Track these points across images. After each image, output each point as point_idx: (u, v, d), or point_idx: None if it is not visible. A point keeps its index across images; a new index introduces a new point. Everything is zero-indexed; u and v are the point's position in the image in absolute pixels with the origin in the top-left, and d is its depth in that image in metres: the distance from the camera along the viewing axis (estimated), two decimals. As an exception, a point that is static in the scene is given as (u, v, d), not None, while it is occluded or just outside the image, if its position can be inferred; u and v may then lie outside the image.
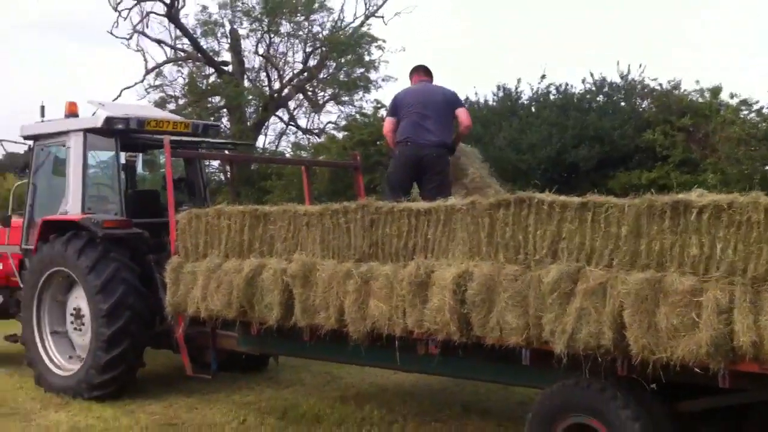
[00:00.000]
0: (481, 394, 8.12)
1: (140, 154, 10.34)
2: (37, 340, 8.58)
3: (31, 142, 9.39)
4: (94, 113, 8.96)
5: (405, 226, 5.88)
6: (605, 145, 14.05)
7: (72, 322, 8.45)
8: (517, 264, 5.24)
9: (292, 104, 25.34)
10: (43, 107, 9.33)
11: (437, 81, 7.90)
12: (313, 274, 6.12)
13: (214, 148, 9.92)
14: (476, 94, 17.34)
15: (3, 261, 9.75)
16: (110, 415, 7.51)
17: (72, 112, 8.94)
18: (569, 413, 5.12)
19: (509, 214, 5.31)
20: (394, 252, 5.91)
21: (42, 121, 9.27)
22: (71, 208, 8.47)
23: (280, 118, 25.38)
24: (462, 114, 7.55)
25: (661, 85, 15.01)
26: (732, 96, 14.32)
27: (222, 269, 6.67)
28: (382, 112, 17.31)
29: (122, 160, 9.26)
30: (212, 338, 7.53)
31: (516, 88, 16.48)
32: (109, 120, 8.40)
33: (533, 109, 15.89)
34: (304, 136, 25.40)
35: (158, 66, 24.21)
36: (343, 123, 23.58)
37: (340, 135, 21.40)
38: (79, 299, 8.29)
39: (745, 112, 14.14)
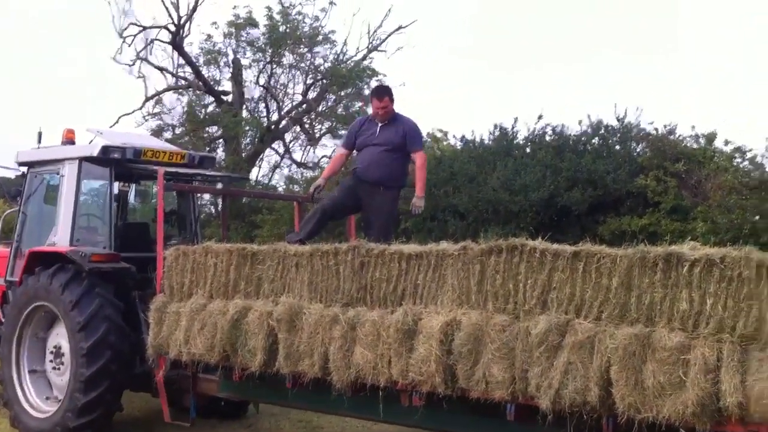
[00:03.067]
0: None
1: (133, 185, 10.26)
2: (15, 379, 8.33)
3: (25, 169, 9.28)
4: (91, 141, 8.87)
5: (395, 270, 5.81)
6: (598, 189, 14.00)
7: (51, 361, 8.24)
8: (506, 314, 5.19)
9: (288, 137, 25.34)
10: (40, 133, 9.20)
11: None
12: (299, 318, 6.02)
13: (208, 181, 9.83)
14: (473, 132, 17.37)
15: (-16, 293, 9.58)
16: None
17: (69, 139, 8.83)
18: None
19: (500, 261, 5.26)
20: (382, 297, 5.84)
21: (38, 148, 9.15)
22: (60, 239, 8.32)
23: (276, 151, 25.33)
24: None
25: (657, 129, 15.00)
26: (726, 143, 14.34)
27: (207, 310, 6.57)
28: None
29: (115, 191, 9.16)
30: (192, 382, 7.37)
31: (512, 128, 16.47)
32: (105, 149, 8.27)
33: (528, 150, 15.87)
34: (298, 169, 25.36)
35: (158, 93, 24.18)
36: (338, 157, 23.49)
37: (334, 169, 21.29)
38: (59, 337, 8.10)
39: (739, 160, 14.13)
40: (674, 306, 4.60)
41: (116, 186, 9.29)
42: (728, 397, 4.24)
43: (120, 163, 8.49)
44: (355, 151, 7.94)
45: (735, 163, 13.93)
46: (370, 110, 8.05)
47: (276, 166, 25.37)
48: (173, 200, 10.09)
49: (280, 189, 23.45)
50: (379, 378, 5.54)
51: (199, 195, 11.93)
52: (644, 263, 4.71)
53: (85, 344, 7.55)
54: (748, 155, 14.04)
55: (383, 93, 7.79)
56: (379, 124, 7.72)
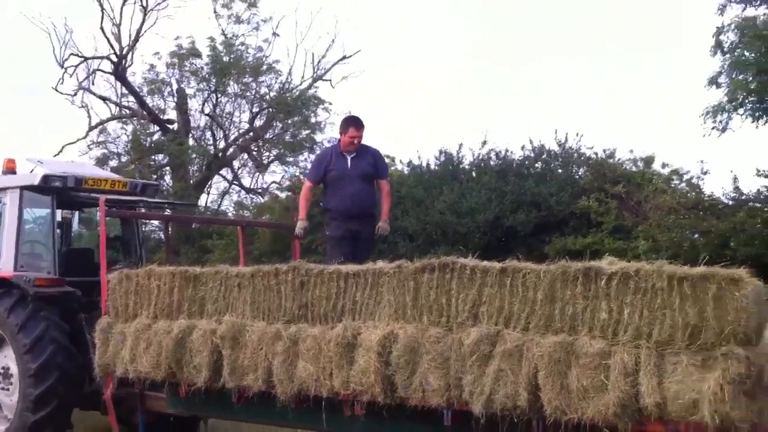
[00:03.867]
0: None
1: (77, 212, 10.33)
2: (-37, 400, 8.35)
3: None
4: (32, 170, 8.95)
5: (334, 288, 6.01)
6: (542, 210, 14.38)
7: (0, 382, 8.29)
8: (440, 326, 5.42)
9: (236, 164, 25.41)
10: None
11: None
12: (242, 335, 6.18)
13: (152, 207, 9.95)
14: (419, 157, 17.64)
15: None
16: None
17: (9, 168, 8.94)
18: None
19: (433, 278, 5.51)
20: (323, 314, 6.03)
21: None
22: (4, 265, 8.39)
23: (224, 177, 25.40)
24: None
25: (596, 153, 15.48)
26: (664, 166, 14.91)
27: (151, 330, 6.70)
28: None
29: (58, 218, 9.23)
30: (141, 400, 7.45)
31: (458, 153, 16.82)
32: (46, 178, 8.42)
33: (474, 174, 16.22)
34: (247, 195, 25.43)
35: (102, 123, 24.12)
36: (287, 183, 23.71)
37: (283, 195, 21.51)
38: (7, 359, 8.15)
39: (676, 182, 14.69)
40: (595, 316, 4.89)
41: (59, 213, 9.38)
42: (647, 398, 4.53)
43: (62, 192, 8.60)
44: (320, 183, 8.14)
45: (672, 185, 14.47)
46: (331, 139, 8.21)
47: (225, 193, 25.43)
48: (117, 227, 10.18)
49: (230, 214, 23.48)
50: (322, 390, 5.73)
51: (144, 221, 12.00)
52: (566, 277, 5.00)
53: (33, 365, 7.66)
54: (685, 177, 14.63)
55: (362, 123, 7.93)
56: (349, 156, 7.90)
